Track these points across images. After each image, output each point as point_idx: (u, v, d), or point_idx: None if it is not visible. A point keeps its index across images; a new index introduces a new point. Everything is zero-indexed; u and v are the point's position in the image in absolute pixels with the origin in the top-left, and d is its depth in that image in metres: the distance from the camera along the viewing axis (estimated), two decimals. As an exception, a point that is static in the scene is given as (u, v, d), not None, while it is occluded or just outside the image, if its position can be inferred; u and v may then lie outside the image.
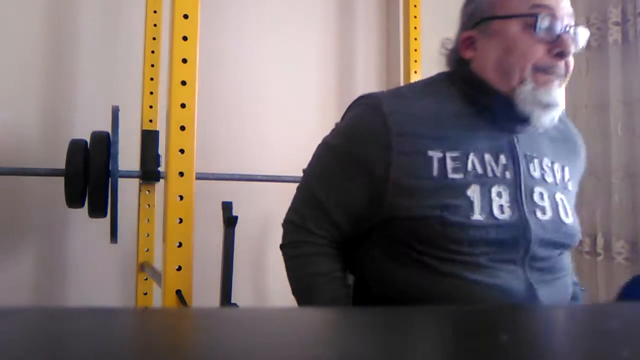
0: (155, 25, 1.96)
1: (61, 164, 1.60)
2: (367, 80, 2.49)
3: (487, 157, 0.91)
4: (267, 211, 2.22)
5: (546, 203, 0.92)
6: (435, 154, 0.88)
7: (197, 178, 1.21)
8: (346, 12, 2.49)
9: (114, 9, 2.02)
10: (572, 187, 1.00)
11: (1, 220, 1.82)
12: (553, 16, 0.88)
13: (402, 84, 2.29)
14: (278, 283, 2.26)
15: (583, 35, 0.92)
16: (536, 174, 0.94)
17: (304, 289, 0.96)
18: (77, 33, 1.96)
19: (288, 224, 1.03)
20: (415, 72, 2.23)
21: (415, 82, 1.03)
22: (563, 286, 0.95)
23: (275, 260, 2.26)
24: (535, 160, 0.95)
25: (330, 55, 2.43)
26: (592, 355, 0.32)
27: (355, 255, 1.00)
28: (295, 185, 1.05)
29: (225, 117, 2.17)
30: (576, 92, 2.22)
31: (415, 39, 2.25)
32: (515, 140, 0.94)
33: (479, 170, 0.89)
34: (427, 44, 2.21)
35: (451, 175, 0.87)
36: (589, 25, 2.19)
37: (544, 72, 0.88)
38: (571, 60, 0.90)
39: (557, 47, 0.88)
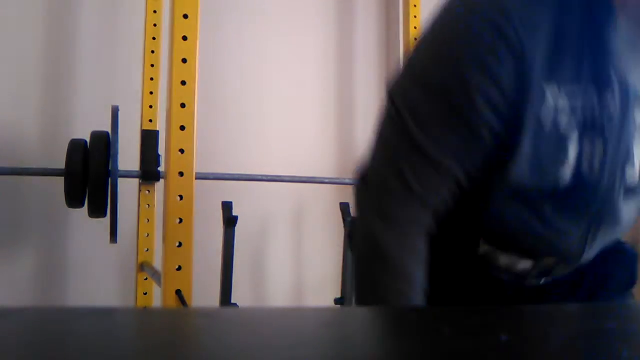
0: (155, 25, 1.96)
1: (61, 164, 1.60)
2: (367, 80, 2.50)
3: (591, 90, 0.67)
4: (267, 211, 2.22)
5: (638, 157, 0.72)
6: (550, 89, 0.65)
7: (197, 178, 1.21)
8: (346, 12, 2.49)
9: (113, 9, 2.02)
10: None
11: (1, 220, 1.82)
12: None
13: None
14: (278, 283, 2.26)
15: None
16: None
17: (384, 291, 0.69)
18: (77, 33, 1.96)
19: (377, 186, 0.72)
20: (415, 72, 2.23)
21: None
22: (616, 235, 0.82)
23: (275, 260, 2.27)
24: None
25: (330, 54, 2.43)
26: (592, 355, 0.32)
27: None
28: (295, 185, 1.04)
29: (225, 117, 2.17)
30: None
31: (415, 38, 2.25)
32: (626, 71, 0.68)
33: (584, 112, 0.66)
34: (427, 44, 2.21)
35: (559, 119, 0.66)
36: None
37: None
38: None
39: None
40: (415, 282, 0.68)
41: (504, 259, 0.79)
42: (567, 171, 0.68)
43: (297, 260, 2.29)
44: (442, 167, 0.68)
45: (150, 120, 1.94)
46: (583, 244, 0.79)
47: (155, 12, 1.97)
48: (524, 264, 0.81)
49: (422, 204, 0.70)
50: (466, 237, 0.80)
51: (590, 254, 0.81)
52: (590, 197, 0.72)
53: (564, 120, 0.66)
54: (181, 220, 1.18)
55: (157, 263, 1.86)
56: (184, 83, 1.19)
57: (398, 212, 0.70)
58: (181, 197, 1.18)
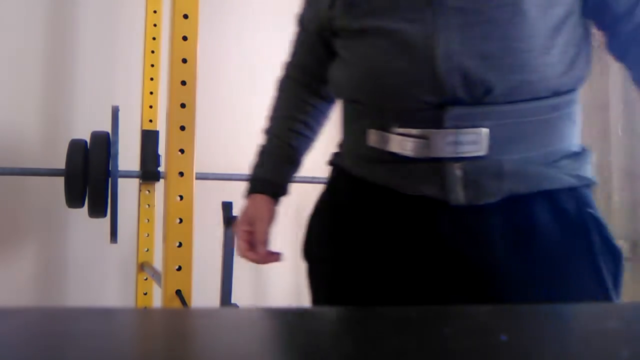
0: (155, 25, 1.96)
1: (61, 164, 1.60)
2: (367, 80, 2.49)
3: None
4: (267, 211, 2.21)
5: None
6: None
7: (197, 178, 1.21)
8: (346, 12, 2.49)
9: (114, 9, 2.02)
10: None
11: (1, 220, 1.82)
12: None
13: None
14: (278, 283, 2.26)
15: None
16: None
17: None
18: (77, 33, 1.96)
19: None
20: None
21: None
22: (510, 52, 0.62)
23: (275, 260, 2.26)
24: None
25: (330, 55, 2.43)
26: (592, 355, 0.32)
27: None
28: (295, 185, 1.05)
29: (225, 117, 2.17)
30: (576, 92, 2.22)
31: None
32: None
33: None
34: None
35: None
36: (589, 24, 2.18)
37: None
38: None
39: None
40: (276, 103, 1.07)
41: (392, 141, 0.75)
42: None
43: (297, 260, 2.28)
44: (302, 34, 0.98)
45: (150, 120, 1.94)
46: (430, 49, 0.63)
47: (155, 12, 1.97)
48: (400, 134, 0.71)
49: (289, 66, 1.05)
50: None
51: (459, 82, 0.64)
52: None
53: None
54: (181, 220, 1.18)
55: (157, 263, 1.86)
56: (184, 83, 1.19)
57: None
58: (181, 197, 1.18)
